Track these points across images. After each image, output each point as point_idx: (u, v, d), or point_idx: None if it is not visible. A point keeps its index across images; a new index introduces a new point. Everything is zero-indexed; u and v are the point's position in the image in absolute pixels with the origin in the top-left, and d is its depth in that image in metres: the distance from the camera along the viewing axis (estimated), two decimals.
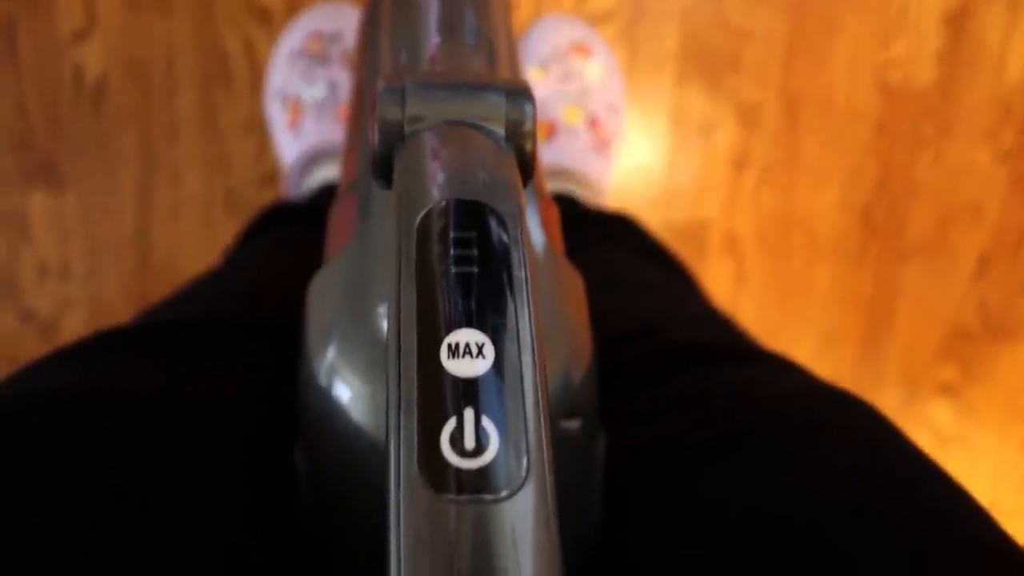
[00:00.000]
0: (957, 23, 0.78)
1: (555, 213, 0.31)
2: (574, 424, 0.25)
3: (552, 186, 0.66)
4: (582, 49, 0.70)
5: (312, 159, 0.65)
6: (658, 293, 0.46)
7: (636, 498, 0.28)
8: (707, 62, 0.77)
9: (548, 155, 0.67)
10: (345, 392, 0.24)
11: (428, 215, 0.19)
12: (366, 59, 0.33)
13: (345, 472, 0.25)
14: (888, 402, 0.88)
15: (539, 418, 0.16)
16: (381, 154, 0.22)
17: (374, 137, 0.22)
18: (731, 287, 0.83)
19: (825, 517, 0.24)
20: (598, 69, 0.70)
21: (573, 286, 0.27)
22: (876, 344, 0.86)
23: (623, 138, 0.74)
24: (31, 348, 0.79)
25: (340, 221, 0.27)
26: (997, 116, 0.80)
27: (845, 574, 0.23)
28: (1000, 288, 0.85)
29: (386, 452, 0.16)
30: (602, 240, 0.55)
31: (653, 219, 0.78)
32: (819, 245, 0.83)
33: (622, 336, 0.36)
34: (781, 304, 0.84)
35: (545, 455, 0.16)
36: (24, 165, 0.74)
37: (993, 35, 0.78)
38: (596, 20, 0.75)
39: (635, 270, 0.51)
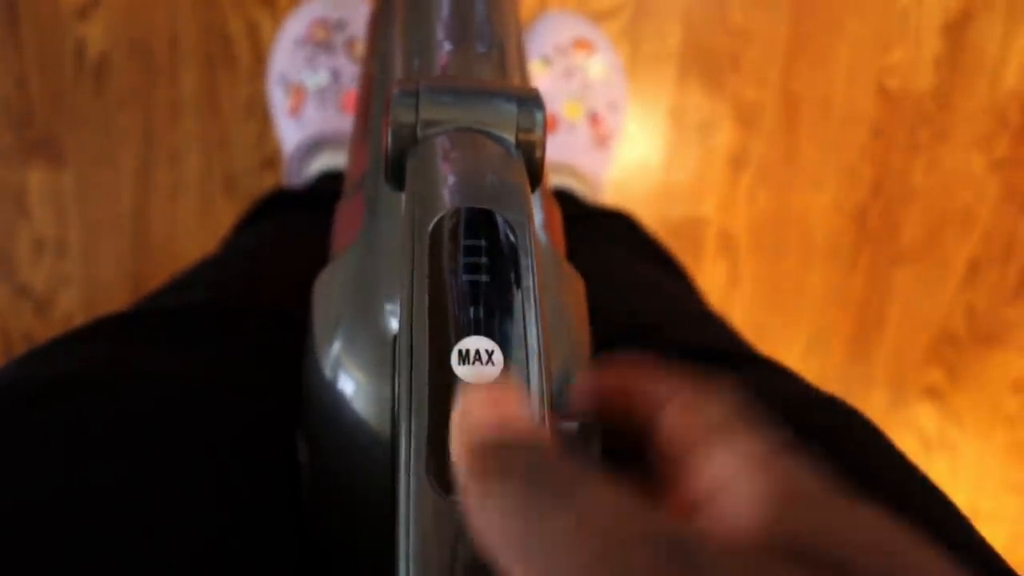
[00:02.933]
0: (956, 31, 0.78)
1: (558, 214, 0.32)
2: (572, 425, 0.26)
3: (550, 181, 0.66)
4: (585, 45, 0.71)
5: (313, 146, 0.66)
6: (655, 292, 0.47)
7: None
8: (708, 61, 0.78)
9: (547, 150, 0.68)
10: (349, 385, 0.25)
11: (439, 222, 0.19)
12: (377, 55, 0.33)
13: (346, 463, 0.25)
14: (875, 404, 0.89)
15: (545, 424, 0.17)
16: (393, 157, 0.22)
17: (387, 140, 0.22)
18: (724, 284, 0.84)
19: None
20: (601, 66, 0.71)
21: (574, 289, 0.28)
22: (865, 346, 0.87)
23: (622, 135, 0.74)
24: (25, 324, 0.79)
25: (348, 217, 0.28)
26: (992, 124, 0.81)
27: None
28: (988, 294, 0.86)
29: (395, 454, 0.17)
30: (600, 237, 0.56)
31: (650, 216, 0.78)
32: (812, 246, 0.83)
33: (620, 335, 0.37)
34: (772, 303, 0.85)
35: None
36: (23, 141, 0.74)
37: (991, 45, 0.79)
38: (599, 17, 0.75)
39: (632, 268, 0.51)
